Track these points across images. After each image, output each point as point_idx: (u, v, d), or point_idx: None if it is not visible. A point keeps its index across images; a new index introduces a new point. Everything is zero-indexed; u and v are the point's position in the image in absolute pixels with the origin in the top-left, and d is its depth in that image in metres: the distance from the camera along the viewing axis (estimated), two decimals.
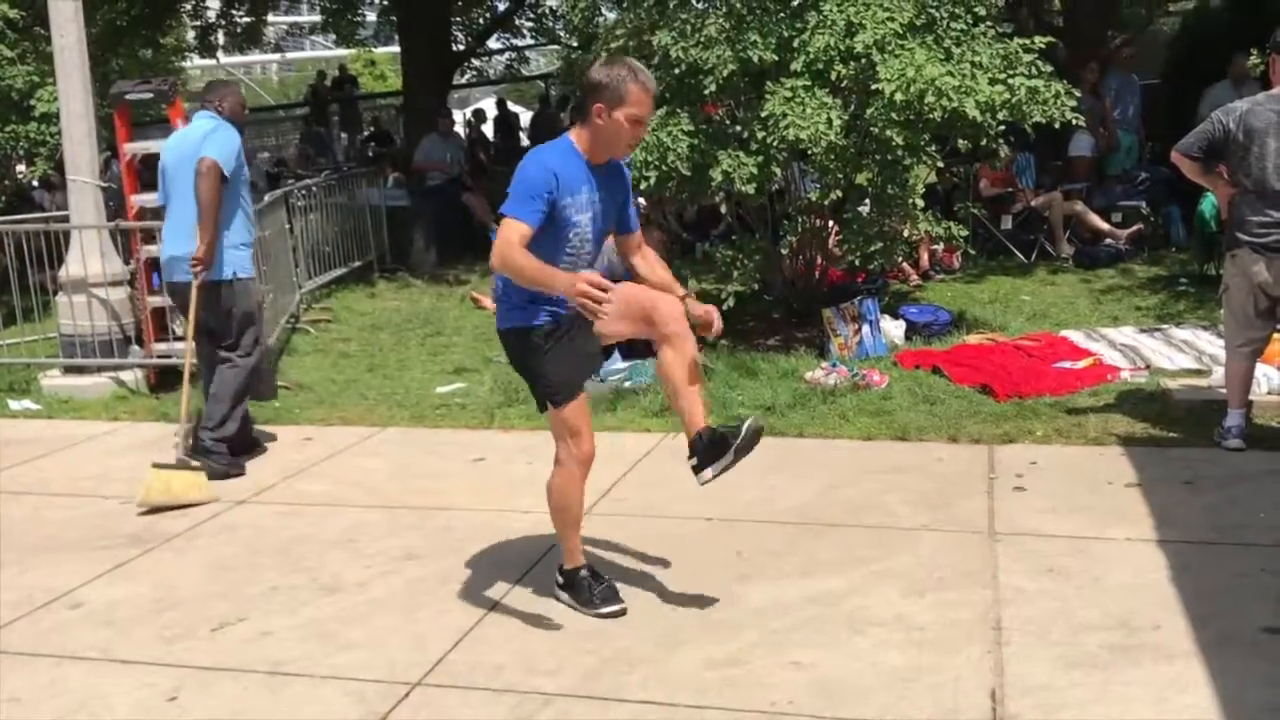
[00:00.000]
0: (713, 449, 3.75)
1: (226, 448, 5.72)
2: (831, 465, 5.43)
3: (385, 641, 3.80)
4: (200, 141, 5.69)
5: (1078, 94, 7.16)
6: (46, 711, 3.45)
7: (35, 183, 12.77)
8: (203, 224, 5.58)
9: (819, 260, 8.18)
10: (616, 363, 7.04)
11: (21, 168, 11.85)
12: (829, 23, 6.92)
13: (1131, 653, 3.48)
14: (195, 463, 5.50)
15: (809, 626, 3.78)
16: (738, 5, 7.12)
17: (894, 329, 7.53)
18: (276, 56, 37.62)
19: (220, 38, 19.85)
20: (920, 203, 7.52)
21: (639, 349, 7.46)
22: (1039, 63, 7.03)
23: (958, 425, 5.86)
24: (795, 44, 6.99)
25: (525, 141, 18.82)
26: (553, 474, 4.00)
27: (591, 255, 3.87)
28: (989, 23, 7.24)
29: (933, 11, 7.04)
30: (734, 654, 3.61)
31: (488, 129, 20.01)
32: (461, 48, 18.64)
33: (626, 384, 6.77)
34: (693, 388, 3.79)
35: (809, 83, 6.87)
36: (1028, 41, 7.11)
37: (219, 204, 5.61)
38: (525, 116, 21.16)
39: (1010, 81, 6.86)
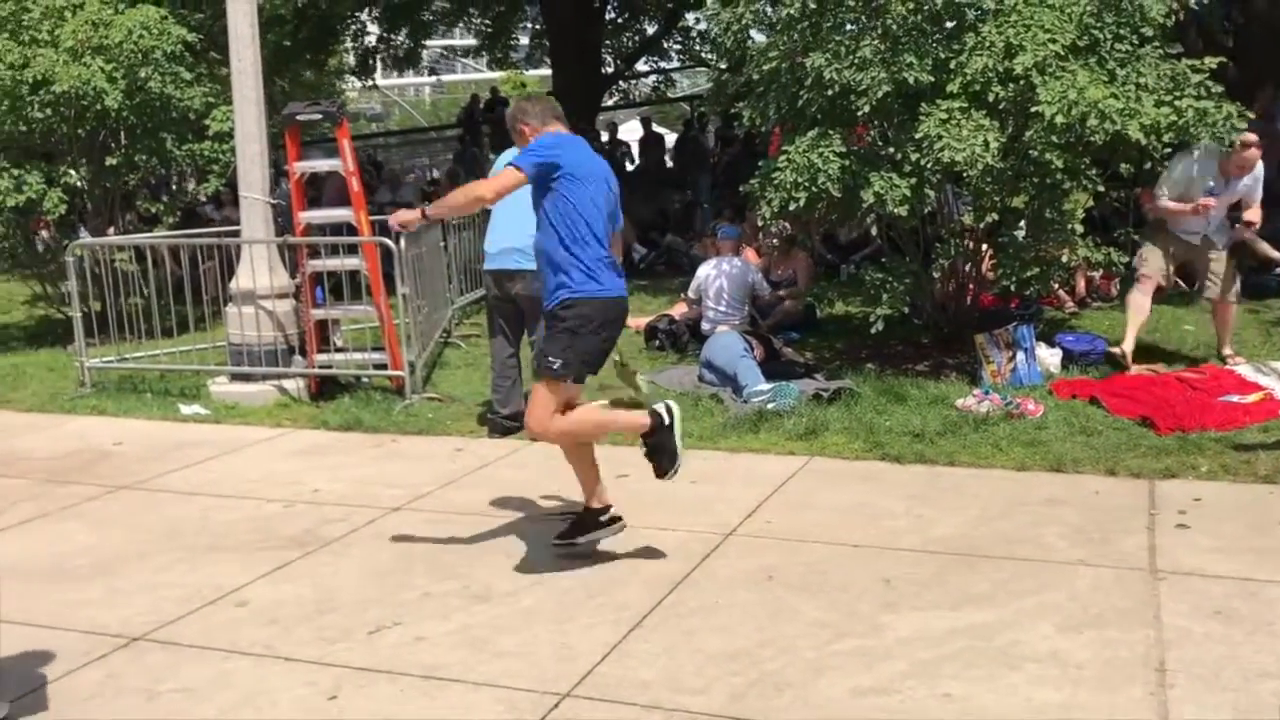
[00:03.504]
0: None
1: None
2: (983, 495, 5.31)
3: (535, 651, 3.87)
4: None
5: (1250, 116, 6.88)
6: (215, 704, 3.61)
7: (204, 198, 13.43)
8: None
9: (970, 285, 8.02)
10: (760, 384, 7.01)
11: (191, 184, 12.47)
12: (987, 44, 6.80)
13: None
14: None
15: (960, 659, 3.70)
16: (893, 27, 7.06)
17: (1050, 357, 7.33)
18: (431, 80, 38.79)
19: (379, 61, 20.59)
20: (1079, 228, 7.32)
21: (781, 371, 7.45)
22: (1209, 84, 6.78)
23: (1116, 458, 5.67)
24: (952, 65, 6.90)
25: (669, 164, 18.96)
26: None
27: None
28: (1156, 43, 7.02)
29: (1096, 33, 6.86)
30: (883, 683, 3.56)
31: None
32: (610, 70, 18.96)
33: (770, 406, 6.74)
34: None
35: (966, 104, 6.76)
36: (1197, 62, 6.87)
37: None
38: (662, 138, 21.26)
39: (1177, 103, 6.64)
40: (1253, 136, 7.09)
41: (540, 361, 4.45)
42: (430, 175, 19.74)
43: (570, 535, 4.68)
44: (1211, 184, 7.30)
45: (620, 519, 4.69)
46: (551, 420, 4.44)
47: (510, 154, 7.11)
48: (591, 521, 4.66)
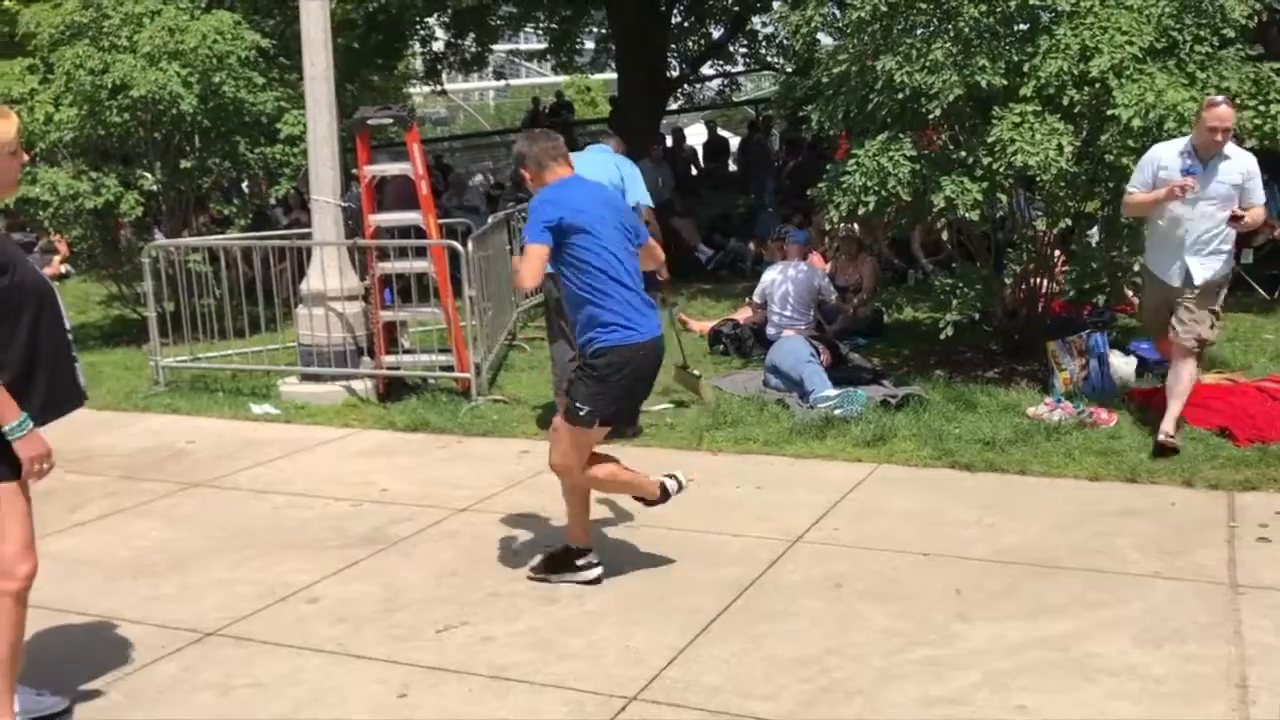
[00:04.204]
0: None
1: None
2: (1055, 505, 5.22)
3: (602, 654, 3.87)
4: (616, 173, 6.56)
5: None
6: (288, 699, 3.66)
7: (273, 201, 13.62)
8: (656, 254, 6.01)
9: (1042, 291, 7.90)
10: (827, 390, 6.96)
11: (260, 186, 12.63)
12: (1062, 46, 6.69)
13: None
14: (696, 372, 7.42)
15: (1034, 670, 3.64)
16: (965, 30, 6.97)
17: (1124, 365, 7.17)
18: (499, 84, 39.09)
19: (447, 66, 20.77)
20: None
21: (848, 376, 7.38)
22: None
23: (1193, 469, 5.54)
24: (1025, 68, 6.80)
25: (733, 167, 18.92)
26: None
27: None
28: (1237, 45, 6.86)
29: (1175, 34, 6.72)
30: (954, 693, 3.51)
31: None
32: (675, 74, 18.96)
33: (836, 412, 6.68)
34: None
35: (1039, 108, 6.65)
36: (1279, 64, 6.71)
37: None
38: (727, 142, 21.22)
39: (1262, 109, 6.48)
40: (1219, 97, 5.90)
41: (569, 406, 4.36)
42: (491, 180, 19.87)
43: (543, 570, 4.58)
44: (1189, 163, 5.85)
45: (600, 570, 4.52)
46: (578, 464, 4.46)
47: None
48: (568, 564, 4.54)
